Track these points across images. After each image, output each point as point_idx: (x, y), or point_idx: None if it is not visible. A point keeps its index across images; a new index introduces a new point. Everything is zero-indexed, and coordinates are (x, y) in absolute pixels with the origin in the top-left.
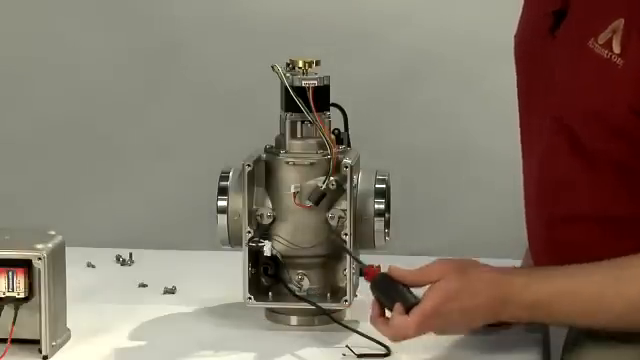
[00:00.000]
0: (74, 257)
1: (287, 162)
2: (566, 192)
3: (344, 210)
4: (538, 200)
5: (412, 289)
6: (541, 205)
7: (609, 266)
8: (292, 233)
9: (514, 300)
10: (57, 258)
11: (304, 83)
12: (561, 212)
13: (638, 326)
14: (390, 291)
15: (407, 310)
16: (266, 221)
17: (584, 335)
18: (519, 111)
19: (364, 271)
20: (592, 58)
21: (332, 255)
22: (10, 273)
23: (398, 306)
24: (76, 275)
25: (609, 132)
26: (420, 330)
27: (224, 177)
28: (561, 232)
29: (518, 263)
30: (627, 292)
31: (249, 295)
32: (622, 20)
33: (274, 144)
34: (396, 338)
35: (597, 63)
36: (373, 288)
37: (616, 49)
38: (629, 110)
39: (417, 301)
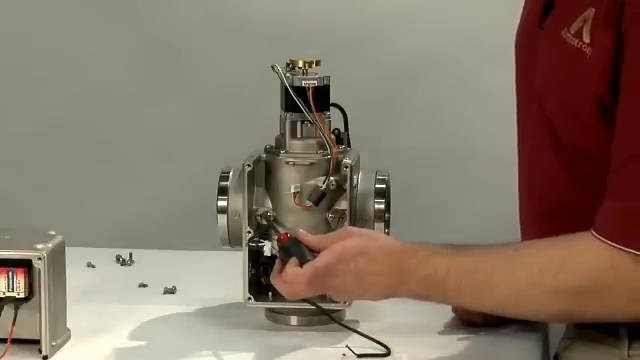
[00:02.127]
0: (74, 257)
1: (287, 162)
2: (551, 187)
3: (344, 210)
4: (529, 195)
5: None
6: (532, 200)
7: (508, 249)
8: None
9: (412, 272)
10: (57, 258)
11: (304, 83)
12: (549, 207)
13: (520, 314)
14: (292, 250)
15: (301, 266)
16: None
17: (576, 338)
18: (516, 107)
19: (278, 237)
20: (565, 48)
21: None
22: (10, 273)
23: (293, 260)
24: (76, 275)
25: (579, 123)
26: (312, 286)
27: (224, 177)
28: (550, 227)
29: None
30: (515, 276)
31: (249, 295)
32: (592, 10)
33: (274, 144)
34: (290, 293)
35: (569, 52)
36: (279, 250)
37: (586, 39)
38: (595, 100)
39: (312, 258)
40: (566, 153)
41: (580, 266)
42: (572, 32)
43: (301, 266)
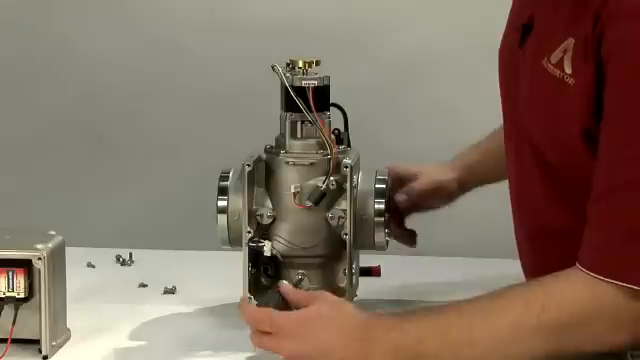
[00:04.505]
0: (74, 257)
1: (287, 162)
2: (539, 210)
3: (344, 210)
4: (518, 213)
5: None
6: (521, 218)
7: (480, 301)
8: (292, 233)
9: (381, 341)
10: (57, 258)
11: (304, 83)
12: (539, 229)
13: None
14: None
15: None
16: (266, 221)
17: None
18: (503, 124)
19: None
20: (546, 77)
21: (332, 255)
22: (10, 273)
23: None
24: (76, 275)
25: (567, 151)
26: (297, 328)
27: (224, 177)
28: (542, 244)
29: (517, 263)
30: (494, 326)
31: (249, 295)
32: (572, 40)
33: (274, 144)
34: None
35: (551, 83)
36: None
37: (567, 69)
38: (581, 130)
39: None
40: (553, 178)
41: (561, 301)
42: (553, 62)
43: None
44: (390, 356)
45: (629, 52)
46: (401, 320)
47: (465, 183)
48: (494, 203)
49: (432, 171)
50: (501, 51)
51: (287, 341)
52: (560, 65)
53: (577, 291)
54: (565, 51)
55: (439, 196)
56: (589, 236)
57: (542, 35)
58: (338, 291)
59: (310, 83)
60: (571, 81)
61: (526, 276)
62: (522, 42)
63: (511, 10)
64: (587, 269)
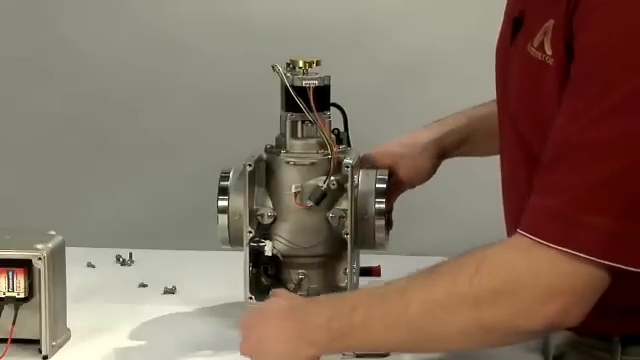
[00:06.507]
0: (74, 257)
1: (288, 162)
2: (526, 199)
3: (345, 210)
4: (510, 209)
5: None
6: (511, 215)
7: (420, 271)
8: (293, 233)
9: (314, 314)
10: (57, 258)
11: (304, 83)
12: None
13: (434, 334)
14: None
15: None
16: (267, 221)
17: (569, 345)
18: (498, 121)
19: None
20: (530, 62)
21: (332, 255)
22: (10, 273)
23: None
24: (76, 275)
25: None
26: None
27: (224, 177)
28: None
29: None
30: (428, 289)
31: (250, 295)
32: (552, 21)
33: (274, 144)
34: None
35: (534, 66)
36: None
37: (548, 51)
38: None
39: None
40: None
41: (495, 266)
42: (535, 45)
43: None
44: (324, 327)
45: (595, 24)
46: (341, 294)
47: (444, 152)
48: (493, 204)
49: (404, 164)
50: (497, 50)
51: (243, 333)
52: (541, 47)
53: (513, 255)
54: (545, 33)
55: (417, 181)
56: (532, 200)
57: (529, 24)
58: (338, 291)
59: (310, 83)
60: (551, 62)
61: None
62: (513, 37)
63: (507, 2)
64: (525, 231)
